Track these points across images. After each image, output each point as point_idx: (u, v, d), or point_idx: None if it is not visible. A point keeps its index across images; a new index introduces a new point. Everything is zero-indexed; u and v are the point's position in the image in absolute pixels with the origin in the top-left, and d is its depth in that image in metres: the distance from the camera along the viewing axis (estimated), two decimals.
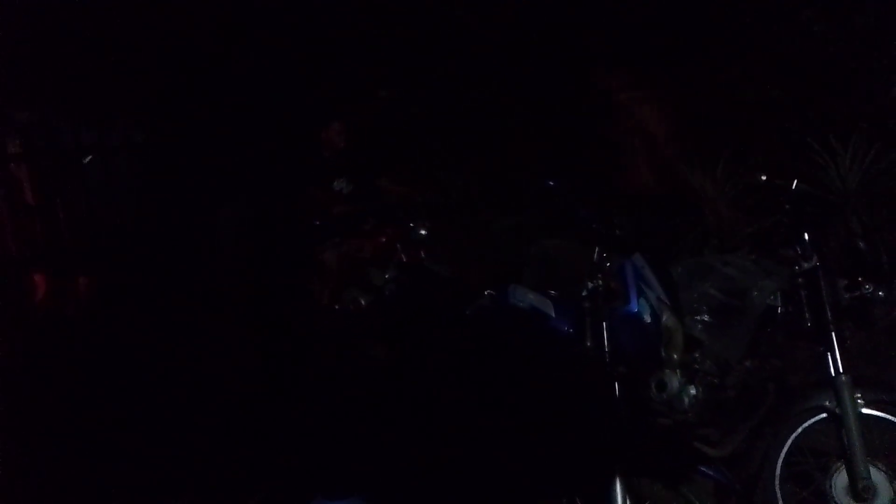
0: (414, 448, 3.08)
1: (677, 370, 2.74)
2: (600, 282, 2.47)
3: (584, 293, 2.55)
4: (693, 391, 2.78)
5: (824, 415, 2.57)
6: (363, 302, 5.38)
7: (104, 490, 3.29)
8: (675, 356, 2.69)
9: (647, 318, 2.58)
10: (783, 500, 2.61)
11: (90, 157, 5.23)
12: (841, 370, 2.51)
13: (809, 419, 2.61)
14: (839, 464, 2.51)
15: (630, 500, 2.21)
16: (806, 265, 2.65)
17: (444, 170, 6.93)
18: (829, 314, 2.58)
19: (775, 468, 2.61)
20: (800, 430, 2.62)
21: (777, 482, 2.60)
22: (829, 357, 2.54)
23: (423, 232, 5.12)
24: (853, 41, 5.15)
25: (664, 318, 2.65)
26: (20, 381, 3.75)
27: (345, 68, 7.75)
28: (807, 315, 2.65)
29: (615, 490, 2.21)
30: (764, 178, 2.87)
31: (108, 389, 4.04)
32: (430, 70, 7.44)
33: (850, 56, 5.17)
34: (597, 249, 2.51)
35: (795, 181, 2.77)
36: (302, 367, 4.29)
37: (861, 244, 2.79)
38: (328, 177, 5.18)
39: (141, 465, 3.44)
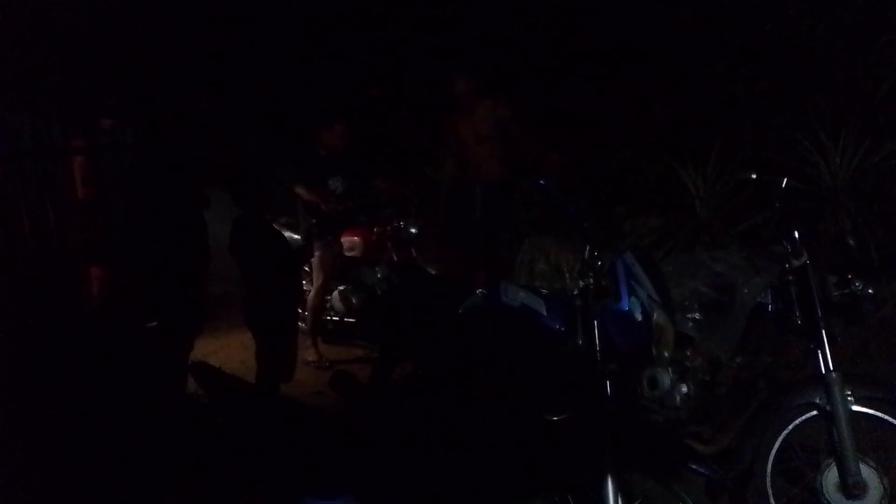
0: (405, 446, 3.07)
1: (669, 367, 2.74)
2: (591, 280, 2.47)
3: (575, 291, 2.56)
4: (684, 388, 2.78)
5: (815, 412, 2.57)
6: (354, 301, 5.40)
7: (97, 490, 3.28)
8: (667, 353, 2.69)
9: (638, 316, 2.58)
10: (774, 496, 2.61)
11: None
12: (831, 367, 2.52)
13: (800, 416, 2.61)
14: (830, 460, 2.51)
15: (621, 497, 2.22)
16: (795, 262, 2.65)
17: (434, 167, 6.93)
18: (818, 311, 2.58)
19: (766, 465, 2.61)
20: (791, 426, 2.62)
21: (768, 479, 2.61)
22: (820, 354, 2.54)
23: (413, 230, 5.15)
24: (842, 37, 5.17)
25: (655, 315, 2.65)
26: (21, 380, 3.75)
27: (334, 67, 7.75)
28: (797, 312, 2.65)
29: (607, 487, 2.21)
30: (754, 175, 2.88)
31: (107, 389, 4.03)
32: (418, 68, 7.45)
33: (839, 52, 5.19)
34: (587, 248, 2.51)
35: (785, 178, 2.77)
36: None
37: (850, 241, 2.79)
38: (323, 175, 5.18)
39: (133, 465, 3.43)
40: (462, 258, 5.39)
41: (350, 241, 5.27)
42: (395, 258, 5.12)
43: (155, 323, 4.22)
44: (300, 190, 5.09)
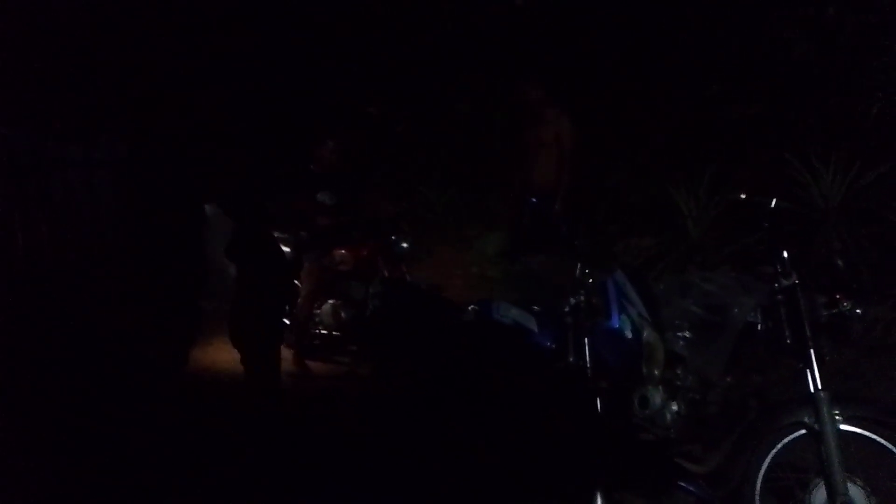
0: (399, 461, 3.08)
1: (659, 386, 2.75)
2: (582, 298, 2.50)
3: (566, 309, 2.58)
4: (675, 407, 2.79)
5: (803, 431, 2.57)
6: (343, 315, 5.41)
7: (97, 490, 3.28)
8: (656, 372, 2.70)
9: (629, 334, 2.60)
10: None
11: None
12: (820, 386, 2.53)
13: (789, 435, 2.62)
14: (818, 480, 2.52)
15: None
16: (785, 282, 2.66)
17: (427, 184, 6.97)
18: (807, 331, 2.59)
19: (755, 484, 2.62)
20: (779, 445, 2.62)
21: (757, 497, 2.61)
22: (808, 373, 2.55)
23: (405, 245, 5.18)
24: (833, 61, 5.23)
25: (645, 334, 2.67)
26: (21, 381, 3.76)
27: (333, 84, 7.80)
28: (786, 332, 2.67)
29: None
30: (743, 196, 2.89)
31: (106, 391, 4.04)
32: (416, 86, 7.50)
33: (830, 75, 5.24)
34: (579, 266, 2.54)
35: (774, 199, 2.79)
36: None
37: (839, 262, 2.81)
38: (311, 190, 5.22)
39: (133, 465, 3.43)
40: None
41: (341, 256, 5.30)
42: (386, 274, 5.15)
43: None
44: (294, 201, 5.13)
